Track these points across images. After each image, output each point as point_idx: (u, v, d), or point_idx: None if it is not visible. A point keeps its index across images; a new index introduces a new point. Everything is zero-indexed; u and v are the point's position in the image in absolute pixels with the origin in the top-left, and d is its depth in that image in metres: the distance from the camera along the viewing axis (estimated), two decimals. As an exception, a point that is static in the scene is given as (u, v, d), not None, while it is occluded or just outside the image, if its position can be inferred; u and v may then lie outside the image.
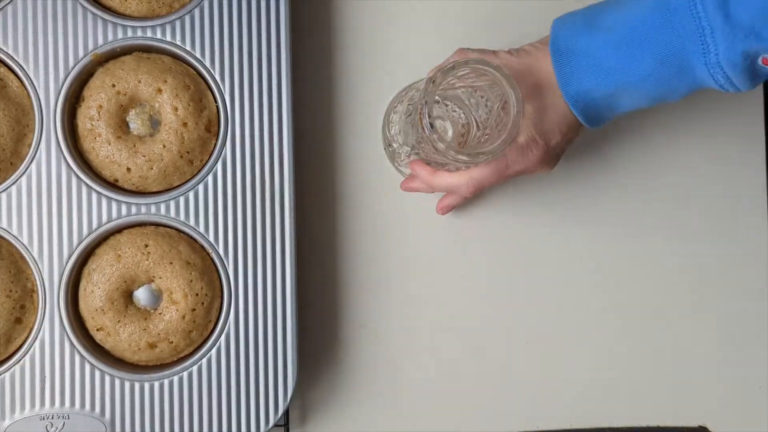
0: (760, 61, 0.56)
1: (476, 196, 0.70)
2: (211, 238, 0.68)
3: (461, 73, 0.60)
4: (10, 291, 0.67)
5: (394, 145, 0.70)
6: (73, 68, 0.68)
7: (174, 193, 0.68)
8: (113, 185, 0.68)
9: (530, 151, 0.62)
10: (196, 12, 0.68)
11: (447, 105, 0.65)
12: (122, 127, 0.68)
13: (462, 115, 0.65)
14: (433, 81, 0.58)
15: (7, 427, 0.66)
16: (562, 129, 0.63)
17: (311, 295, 0.74)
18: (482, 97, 0.62)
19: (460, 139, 0.64)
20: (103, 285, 0.67)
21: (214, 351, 0.67)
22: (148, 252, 0.67)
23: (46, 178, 0.67)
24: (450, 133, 0.65)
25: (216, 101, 0.69)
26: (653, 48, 0.58)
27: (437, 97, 0.63)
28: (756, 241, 0.76)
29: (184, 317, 0.67)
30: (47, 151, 0.67)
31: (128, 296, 0.68)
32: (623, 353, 0.75)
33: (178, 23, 0.68)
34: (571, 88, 0.61)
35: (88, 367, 0.67)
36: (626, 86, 0.60)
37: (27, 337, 0.67)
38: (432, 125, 0.58)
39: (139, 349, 0.67)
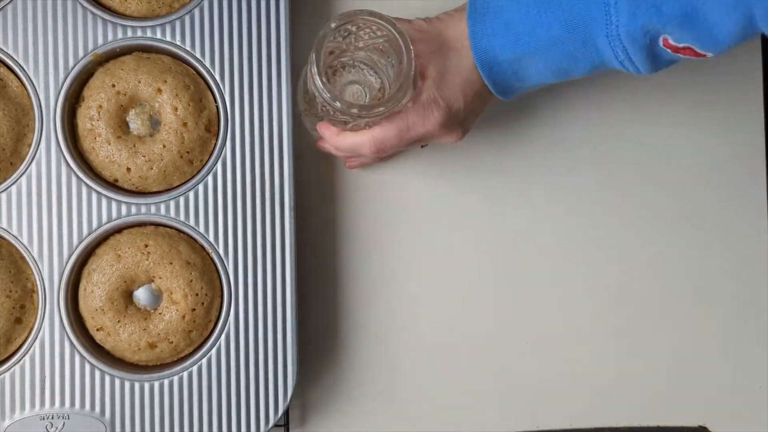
0: (660, 42, 0.56)
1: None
2: (211, 238, 0.68)
3: (360, 29, 0.61)
4: (10, 291, 0.67)
5: (302, 109, 0.70)
6: (73, 68, 0.68)
7: (174, 193, 0.68)
8: (113, 185, 0.68)
9: (431, 112, 0.62)
10: (196, 12, 0.68)
11: (362, 69, 0.66)
12: (122, 127, 0.68)
13: (377, 80, 0.65)
14: (322, 33, 0.60)
15: (7, 427, 0.66)
16: (466, 93, 0.63)
17: (311, 295, 0.73)
18: (389, 58, 0.62)
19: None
20: (103, 285, 0.67)
21: (214, 351, 0.67)
22: (148, 252, 0.67)
23: (46, 178, 0.67)
24: (367, 98, 0.66)
25: (216, 101, 0.69)
26: (561, 14, 0.58)
27: (351, 60, 0.65)
28: (756, 241, 0.76)
29: (184, 317, 0.67)
30: (47, 151, 0.67)
31: (128, 296, 0.68)
32: (623, 353, 0.75)
33: (177, 23, 0.68)
34: (480, 47, 0.61)
35: (88, 367, 0.67)
36: (532, 52, 0.60)
37: (27, 337, 0.67)
38: (324, 81, 0.59)
39: (139, 349, 0.67)
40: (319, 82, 0.59)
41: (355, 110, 0.59)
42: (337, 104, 0.59)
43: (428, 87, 0.62)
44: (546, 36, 0.59)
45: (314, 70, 0.59)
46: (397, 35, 0.59)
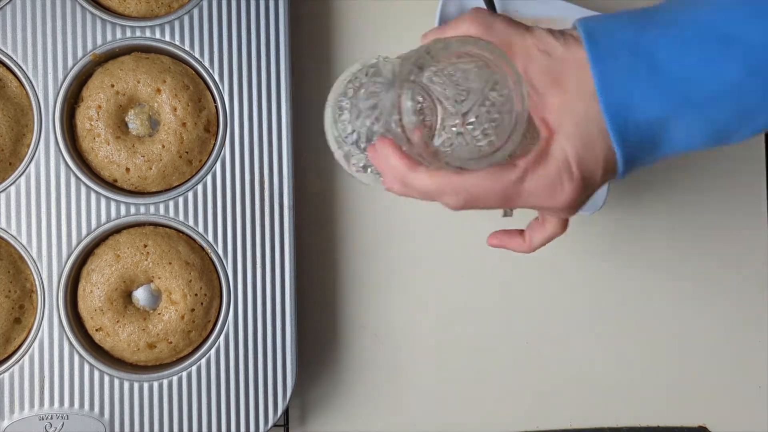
0: None
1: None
2: (210, 238, 0.68)
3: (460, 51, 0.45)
4: (9, 291, 0.67)
5: (346, 147, 0.54)
6: (72, 68, 0.68)
7: (173, 193, 0.68)
8: (112, 185, 0.68)
9: (560, 185, 0.45)
10: (195, 12, 0.68)
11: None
12: (121, 127, 0.68)
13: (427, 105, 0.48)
14: (429, 52, 0.45)
15: (6, 427, 0.66)
16: (607, 158, 0.45)
17: (311, 295, 0.73)
18: (453, 75, 0.46)
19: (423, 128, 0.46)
20: (103, 285, 0.67)
21: (213, 351, 0.67)
22: (147, 252, 0.67)
23: (45, 178, 0.67)
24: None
25: (215, 101, 0.69)
26: (741, 49, 0.41)
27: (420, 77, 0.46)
28: (756, 241, 0.76)
29: (183, 317, 0.67)
30: (46, 152, 0.67)
31: (127, 296, 0.68)
32: (623, 353, 0.75)
33: (177, 23, 0.68)
34: (612, 97, 0.43)
35: (87, 368, 0.67)
36: (693, 105, 0.43)
37: (26, 338, 0.67)
38: (418, 110, 0.44)
39: (138, 349, 0.67)
40: (411, 119, 0.44)
41: (451, 163, 0.44)
42: (432, 153, 0.43)
43: (561, 147, 0.44)
44: (719, 80, 0.42)
45: (406, 106, 0.44)
46: (512, 75, 0.44)
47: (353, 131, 0.52)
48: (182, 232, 0.68)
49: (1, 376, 0.67)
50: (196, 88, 0.68)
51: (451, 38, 0.45)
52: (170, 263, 0.67)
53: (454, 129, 0.45)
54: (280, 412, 0.67)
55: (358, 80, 0.52)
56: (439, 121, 0.45)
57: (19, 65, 0.68)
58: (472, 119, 0.45)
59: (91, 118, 0.68)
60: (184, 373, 0.67)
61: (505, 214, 0.55)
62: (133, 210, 0.68)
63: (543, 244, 0.53)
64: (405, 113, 0.44)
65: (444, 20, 0.70)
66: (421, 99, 0.45)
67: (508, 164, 0.45)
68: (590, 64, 0.43)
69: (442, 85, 0.46)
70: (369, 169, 0.53)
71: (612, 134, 0.44)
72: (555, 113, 0.45)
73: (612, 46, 0.43)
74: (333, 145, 0.55)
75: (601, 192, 0.68)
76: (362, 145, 0.51)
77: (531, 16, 0.71)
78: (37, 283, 0.67)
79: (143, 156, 0.67)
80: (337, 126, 0.54)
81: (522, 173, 0.45)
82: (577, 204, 0.46)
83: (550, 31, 0.46)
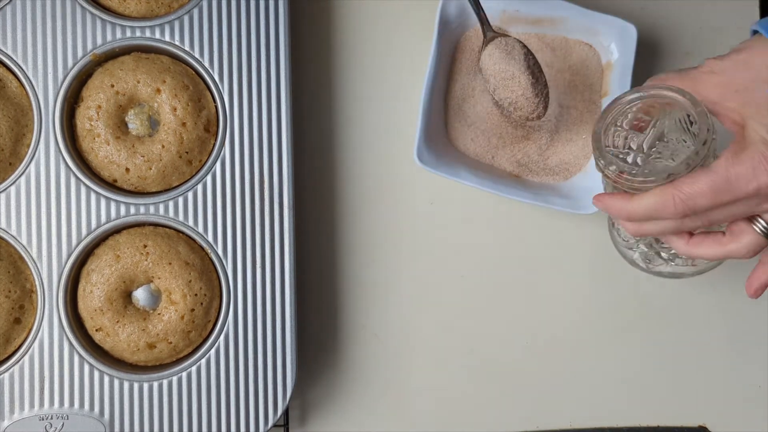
0: None
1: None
2: (210, 238, 0.68)
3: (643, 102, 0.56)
4: (9, 291, 0.67)
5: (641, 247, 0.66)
6: (72, 68, 0.68)
7: (173, 194, 0.68)
8: (112, 185, 0.68)
9: (765, 161, 0.49)
10: (195, 12, 0.68)
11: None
12: (121, 127, 0.68)
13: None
14: (616, 109, 0.57)
15: (6, 427, 0.66)
16: None
17: (311, 295, 0.73)
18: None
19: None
20: (102, 285, 0.67)
21: (213, 351, 0.67)
22: (147, 252, 0.67)
23: (45, 178, 0.67)
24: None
25: (215, 101, 0.69)
26: None
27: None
28: (756, 241, 0.76)
29: (183, 317, 0.67)
30: (46, 152, 0.67)
31: (127, 296, 0.68)
32: (623, 353, 0.75)
33: (177, 23, 0.68)
34: None
35: (87, 368, 0.67)
36: None
37: (26, 338, 0.67)
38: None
39: (138, 349, 0.67)
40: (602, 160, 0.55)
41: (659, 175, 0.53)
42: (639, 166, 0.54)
43: (753, 130, 0.50)
44: None
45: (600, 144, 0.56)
46: (689, 105, 0.54)
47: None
48: (182, 233, 0.68)
49: (1, 376, 0.67)
50: (196, 88, 0.68)
51: (630, 90, 0.56)
52: (170, 263, 0.67)
53: (649, 148, 0.57)
54: (280, 412, 0.67)
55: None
56: (634, 152, 0.57)
57: (19, 65, 0.68)
58: (663, 139, 0.56)
59: (91, 118, 0.68)
60: (184, 374, 0.67)
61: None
62: (132, 210, 0.68)
63: (709, 258, 0.56)
64: (607, 170, 0.56)
65: (444, 20, 0.70)
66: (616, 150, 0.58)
67: (713, 162, 0.51)
68: None
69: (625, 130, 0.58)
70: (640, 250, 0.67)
71: None
72: (738, 111, 0.51)
73: None
74: (624, 252, 0.69)
75: None
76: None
77: (531, 16, 0.71)
78: (37, 283, 0.67)
79: (143, 156, 0.67)
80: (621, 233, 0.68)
81: (725, 162, 0.50)
82: None
83: (710, 59, 0.54)
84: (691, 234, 0.56)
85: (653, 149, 0.57)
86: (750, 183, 0.50)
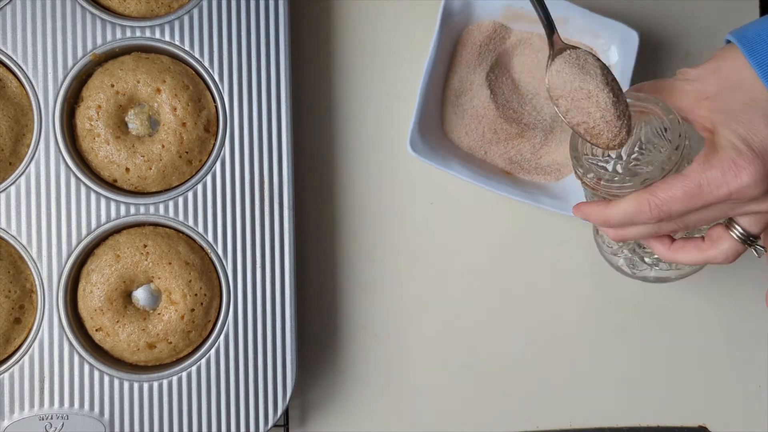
0: None
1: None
2: (210, 238, 0.68)
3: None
4: (9, 291, 0.67)
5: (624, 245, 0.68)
6: (72, 68, 0.68)
7: (173, 193, 0.68)
8: (112, 185, 0.68)
9: (735, 165, 0.50)
10: (195, 12, 0.68)
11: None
12: (121, 127, 0.68)
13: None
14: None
15: (6, 427, 0.66)
16: None
17: (311, 295, 0.73)
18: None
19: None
20: (102, 285, 0.67)
21: (213, 351, 0.67)
22: (147, 252, 0.67)
23: (45, 178, 0.67)
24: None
25: (215, 101, 0.69)
26: None
27: None
28: (756, 241, 0.76)
29: (183, 317, 0.67)
30: (46, 152, 0.67)
31: (127, 296, 0.68)
32: (623, 353, 0.75)
33: (177, 23, 0.68)
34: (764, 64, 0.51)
35: (87, 368, 0.67)
36: None
37: (26, 338, 0.67)
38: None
39: (138, 349, 0.67)
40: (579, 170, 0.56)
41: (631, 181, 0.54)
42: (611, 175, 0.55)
43: (723, 136, 0.51)
44: None
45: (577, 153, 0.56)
46: (658, 108, 0.55)
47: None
48: (182, 232, 0.68)
49: (1, 376, 0.67)
50: (196, 88, 0.68)
51: None
52: (170, 263, 0.67)
53: (628, 156, 0.57)
54: (280, 412, 0.67)
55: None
56: (612, 161, 0.57)
57: (19, 65, 0.68)
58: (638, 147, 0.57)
59: (91, 118, 0.68)
60: (184, 373, 0.67)
61: (750, 244, 0.57)
62: (132, 210, 0.68)
63: (690, 263, 0.57)
64: (585, 178, 0.56)
65: (447, 11, 0.70)
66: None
67: (685, 168, 0.52)
68: (749, 60, 0.51)
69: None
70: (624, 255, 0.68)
71: None
72: (708, 118, 0.53)
73: (759, 35, 0.52)
74: (610, 258, 0.70)
75: None
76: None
77: (534, 15, 0.71)
78: (37, 283, 0.67)
79: (143, 156, 0.67)
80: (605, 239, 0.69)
81: (697, 167, 0.51)
82: (763, 177, 0.50)
83: (684, 68, 0.56)
84: (672, 239, 0.57)
85: (632, 156, 0.57)
86: (720, 188, 0.51)
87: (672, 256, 0.57)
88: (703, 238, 0.57)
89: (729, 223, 0.56)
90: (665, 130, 0.56)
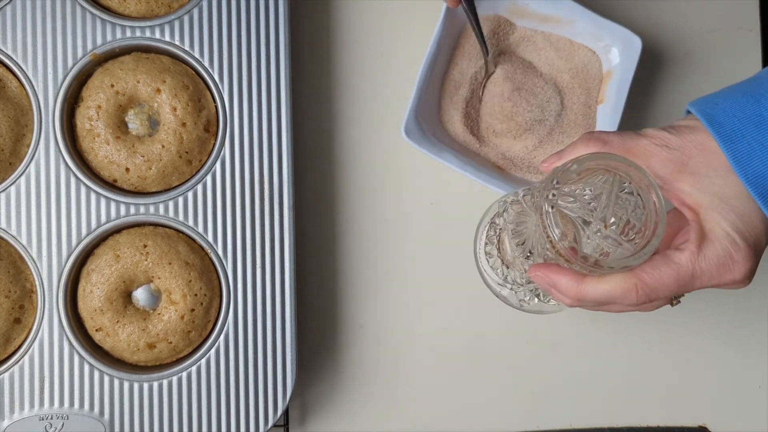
0: None
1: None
2: (210, 238, 0.68)
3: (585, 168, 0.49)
4: (9, 291, 0.67)
5: (511, 278, 0.61)
6: (72, 68, 0.68)
7: (173, 193, 0.68)
8: (112, 185, 0.68)
9: (731, 260, 0.48)
10: (195, 12, 0.68)
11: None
12: (121, 127, 0.68)
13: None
14: (556, 181, 0.49)
15: (6, 427, 0.66)
16: (765, 221, 0.49)
17: (310, 295, 0.73)
18: (583, 190, 0.50)
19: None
20: (102, 285, 0.67)
21: (213, 351, 0.67)
22: (147, 252, 0.67)
23: (45, 178, 0.67)
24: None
25: (215, 101, 0.69)
26: None
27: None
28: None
29: (183, 317, 0.67)
30: (46, 152, 0.67)
31: (127, 296, 0.68)
32: (623, 353, 0.75)
33: (177, 23, 0.68)
34: (750, 171, 0.48)
35: (87, 368, 0.67)
36: None
37: (26, 338, 0.67)
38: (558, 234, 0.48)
39: (138, 349, 0.67)
40: (555, 234, 0.48)
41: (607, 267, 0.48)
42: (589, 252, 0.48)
43: (716, 223, 0.48)
44: None
45: (552, 231, 0.48)
46: (643, 177, 0.48)
47: (505, 274, 0.60)
48: (182, 233, 0.68)
49: (1, 376, 0.67)
50: (196, 88, 0.68)
51: (570, 161, 0.49)
52: (170, 263, 0.67)
53: (598, 234, 0.49)
54: (280, 412, 0.67)
55: (498, 225, 0.59)
56: (584, 234, 0.49)
57: (19, 65, 0.68)
58: (612, 220, 0.49)
59: (91, 118, 0.68)
60: (184, 373, 0.67)
61: (674, 304, 0.55)
62: (132, 210, 0.68)
63: (596, 300, 0.51)
64: (555, 240, 0.48)
65: (449, 17, 0.70)
66: (561, 223, 0.49)
67: (674, 252, 0.49)
68: (721, 146, 0.48)
69: (574, 203, 0.49)
70: (526, 293, 0.61)
71: (761, 203, 0.47)
72: (692, 195, 0.49)
73: (736, 125, 0.48)
74: (495, 280, 0.63)
75: None
76: (520, 279, 0.59)
77: (540, 13, 0.71)
78: (37, 283, 0.67)
79: (143, 156, 0.67)
80: (495, 271, 0.62)
81: (690, 256, 0.48)
82: (753, 272, 0.49)
83: (662, 128, 0.51)
84: (583, 275, 0.52)
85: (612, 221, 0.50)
86: (712, 279, 0.49)
87: (579, 302, 0.52)
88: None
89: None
90: (635, 193, 0.49)
